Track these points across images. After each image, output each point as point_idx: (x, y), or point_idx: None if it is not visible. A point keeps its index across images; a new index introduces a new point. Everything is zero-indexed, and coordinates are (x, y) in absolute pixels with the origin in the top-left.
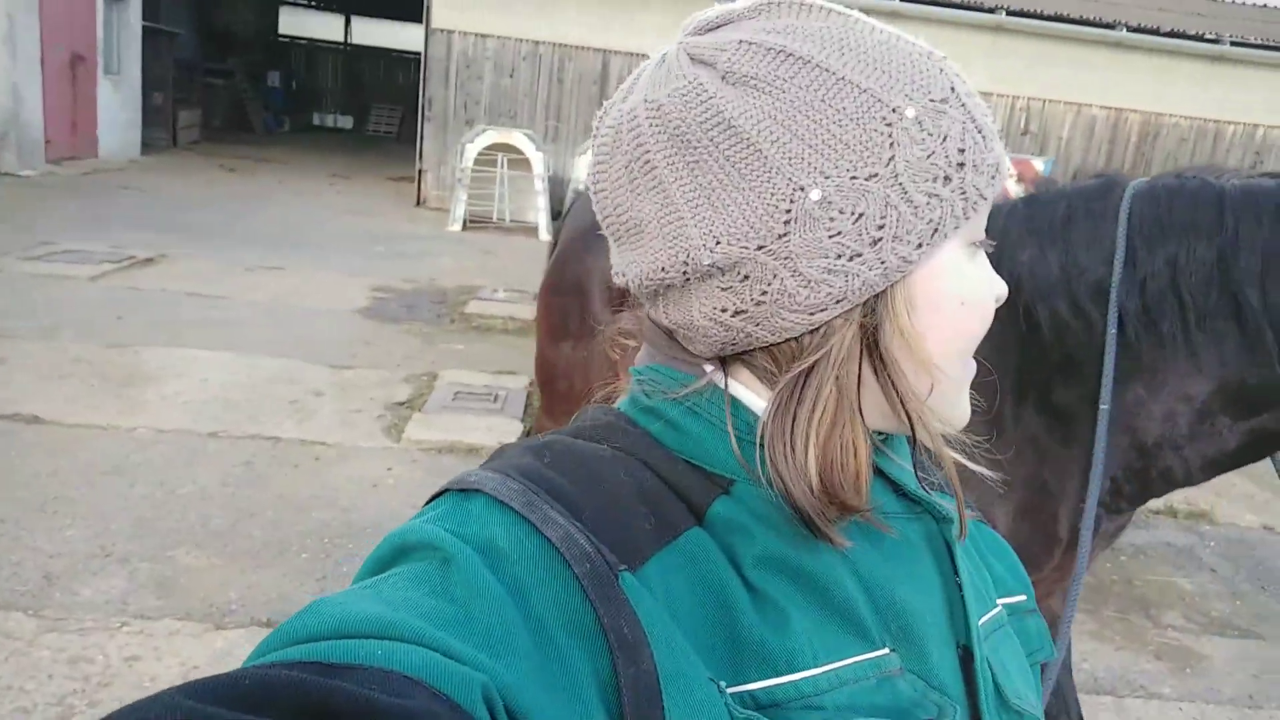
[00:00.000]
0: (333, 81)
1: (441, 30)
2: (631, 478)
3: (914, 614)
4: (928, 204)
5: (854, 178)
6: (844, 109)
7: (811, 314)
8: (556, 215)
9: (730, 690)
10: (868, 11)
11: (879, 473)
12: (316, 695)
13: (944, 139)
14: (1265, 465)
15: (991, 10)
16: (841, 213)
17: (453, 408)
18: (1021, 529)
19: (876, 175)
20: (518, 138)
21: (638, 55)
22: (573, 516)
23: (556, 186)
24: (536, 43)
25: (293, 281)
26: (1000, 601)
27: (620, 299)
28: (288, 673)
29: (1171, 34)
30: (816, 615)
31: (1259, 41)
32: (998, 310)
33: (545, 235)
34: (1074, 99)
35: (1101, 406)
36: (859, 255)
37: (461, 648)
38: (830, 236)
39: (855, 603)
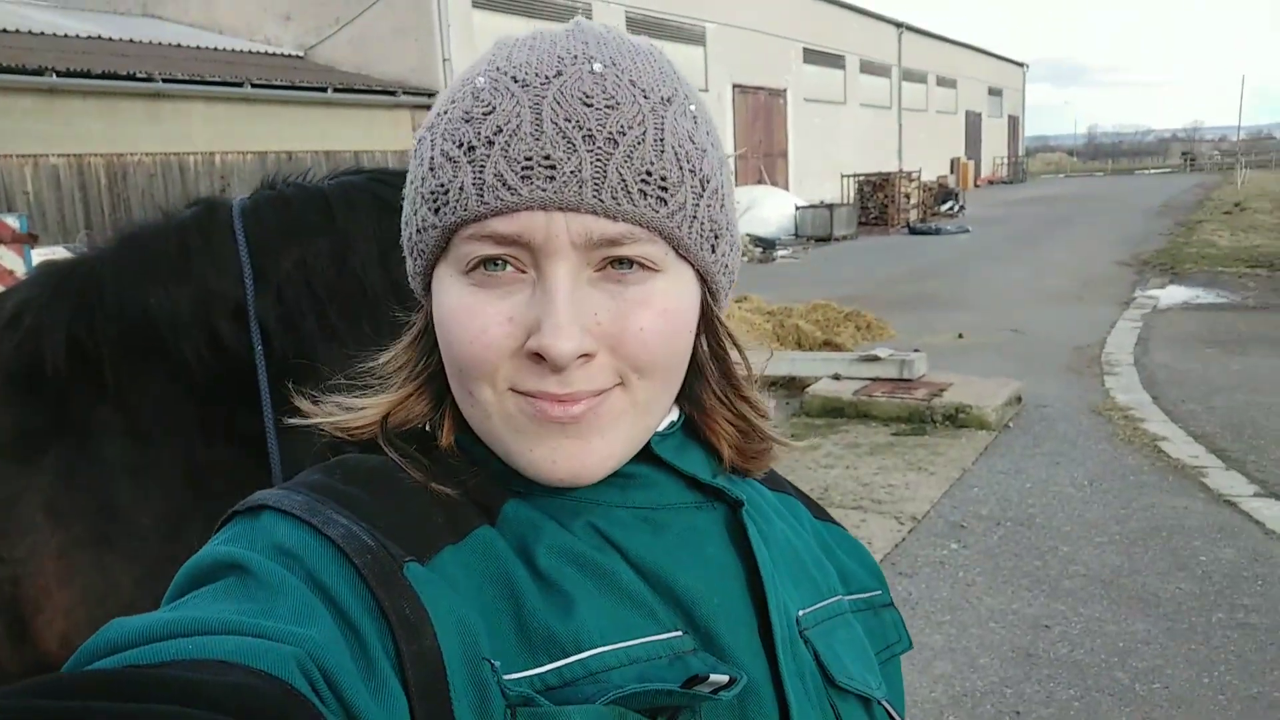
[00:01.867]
0: None
1: None
2: (421, 485)
3: (697, 600)
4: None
5: None
6: None
7: None
8: None
9: (519, 674)
10: None
11: (666, 465)
12: (140, 683)
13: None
14: None
15: None
16: None
17: None
18: None
19: None
20: None
21: None
22: (362, 520)
23: None
24: None
25: None
26: (852, 596)
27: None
28: (109, 674)
29: (105, 75)
30: (607, 601)
31: (185, 78)
32: (157, 365)
33: None
34: (27, 151)
35: (267, 422)
36: None
37: (270, 626)
38: None
39: (640, 590)
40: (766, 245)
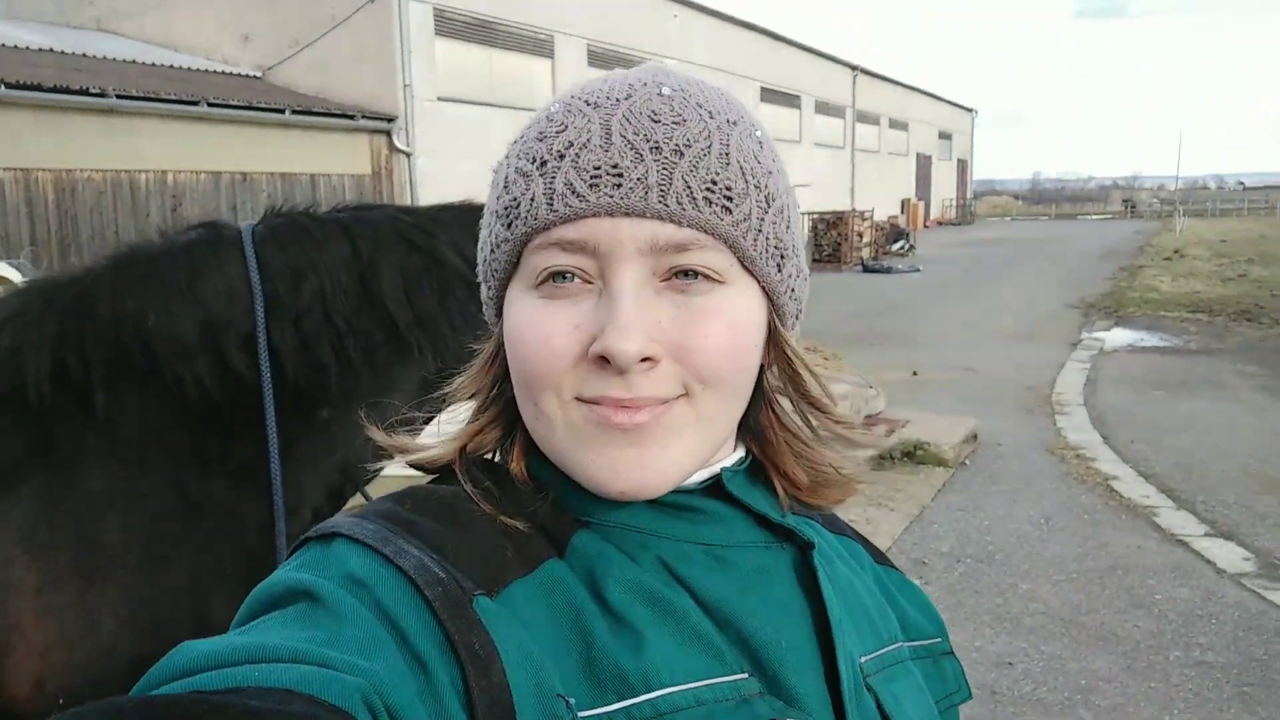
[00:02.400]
0: None
1: None
2: (492, 516)
3: (766, 644)
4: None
5: None
6: None
7: None
8: None
9: (589, 712)
10: None
11: (737, 503)
12: (206, 709)
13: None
14: None
15: None
16: None
17: None
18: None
19: None
20: None
21: None
22: (433, 551)
23: None
24: None
25: None
26: (912, 643)
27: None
28: (170, 700)
29: (55, 89)
30: (675, 639)
31: (140, 94)
32: (150, 390)
33: None
34: None
35: (271, 449)
36: None
37: (337, 657)
38: None
39: (709, 629)
40: None
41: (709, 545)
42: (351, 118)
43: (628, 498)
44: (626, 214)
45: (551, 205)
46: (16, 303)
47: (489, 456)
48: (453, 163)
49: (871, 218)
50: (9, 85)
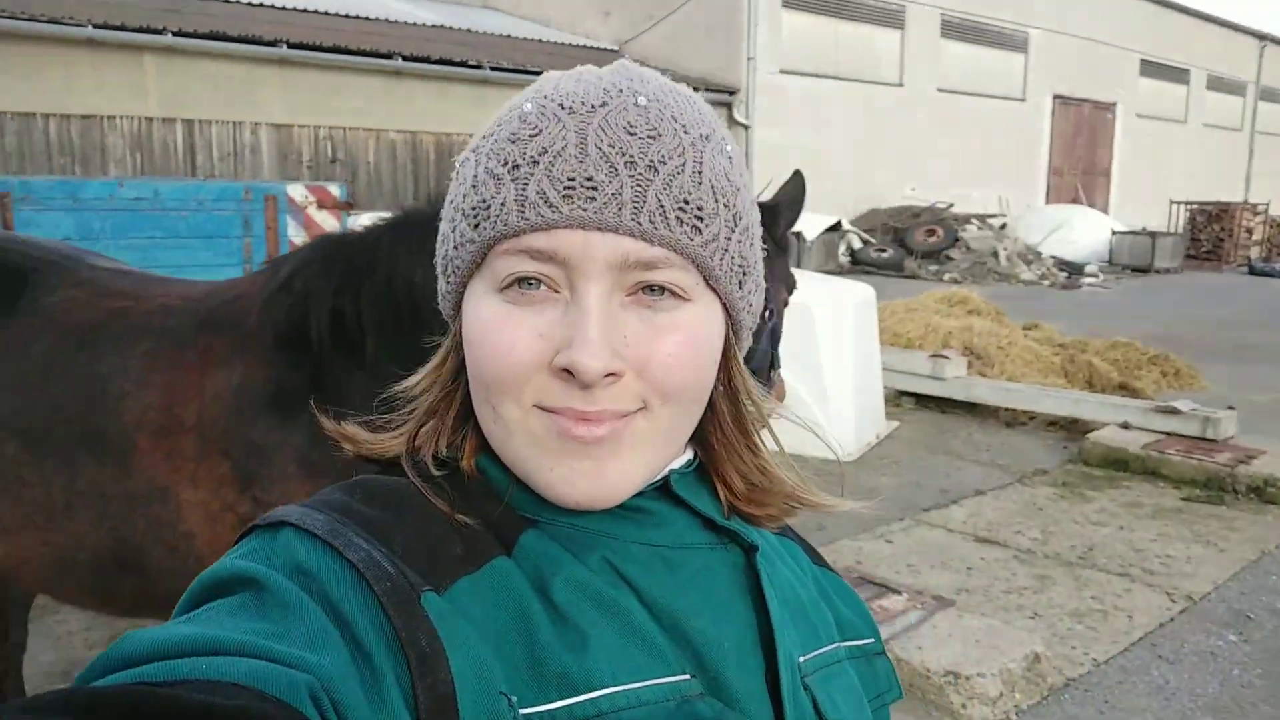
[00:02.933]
0: None
1: None
2: (442, 511)
3: (708, 643)
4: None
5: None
6: None
7: None
8: None
9: (531, 710)
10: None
11: (683, 504)
12: (152, 703)
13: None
14: None
15: (273, 44)
16: None
17: None
18: None
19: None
20: None
21: None
22: (382, 544)
23: None
24: None
25: None
26: (847, 643)
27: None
28: (117, 690)
29: (441, 61)
30: (618, 639)
31: (510, 66)
32: (416, 342)
33: None
34: (372, 125)
35: None
36: None
37: (284, 651)
38: None
39: (652, 630)
40: (1072, 270)
41: (655, 546)
42: (696, 89)
43: (583, 508)
44: (599, 228)
45: (523, 213)
46: (309, 253)
47: (436, 451)
48: (790, 134)
49: (1266, 212)
50: (405, 58)
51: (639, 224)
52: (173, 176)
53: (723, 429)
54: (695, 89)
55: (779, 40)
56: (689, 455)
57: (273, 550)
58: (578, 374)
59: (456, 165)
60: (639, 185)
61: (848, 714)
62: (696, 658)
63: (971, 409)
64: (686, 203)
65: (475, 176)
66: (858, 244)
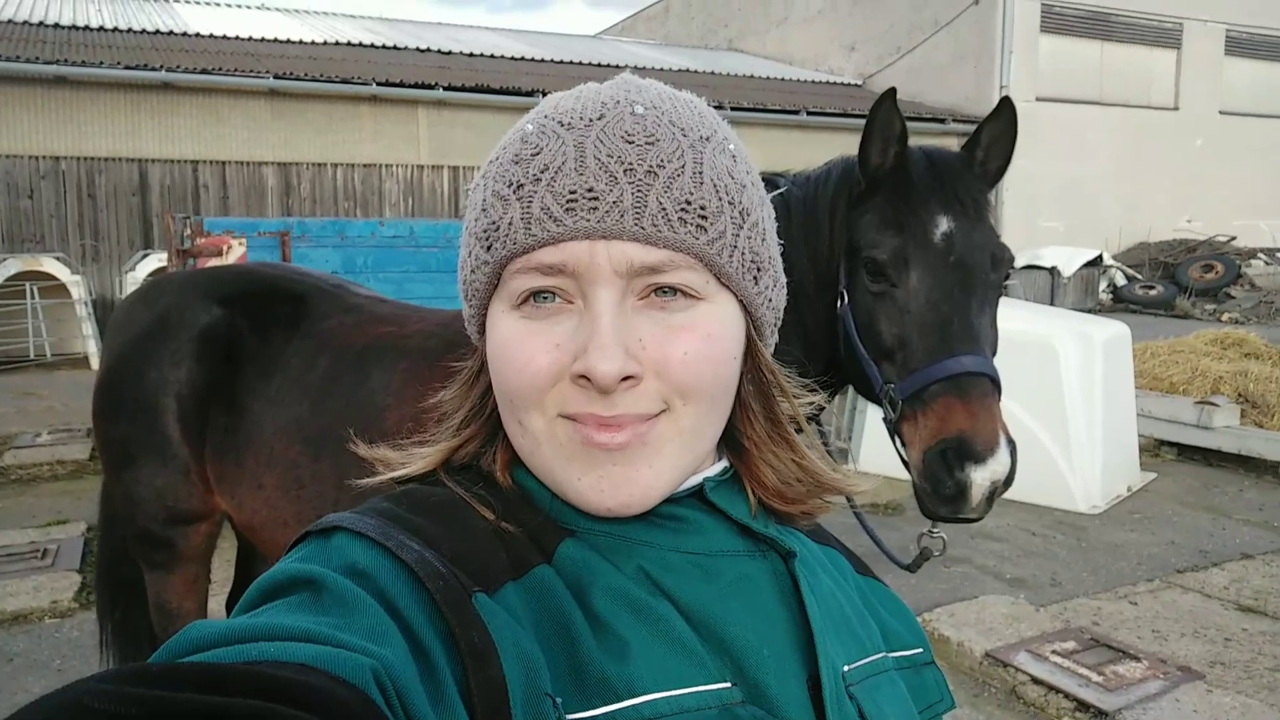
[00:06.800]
0: None
1: None
2: (485, 520)
3: (748, 651)
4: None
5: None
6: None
7: None
8: None
9: (575, 716)
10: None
11: (719, 511)
12: (220, 674)
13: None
14: None
15: (530, 94)
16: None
17: None
18: None
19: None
20: (49, 263)
21: (177, 162)
22: (432, 548)
23: (105, 309)
24: (57, 158)
25: None
26: (894, 654)
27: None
28: (197, 667)
29: None
30: (659, 647)
31: (750, 105)
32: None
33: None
34: None
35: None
36: None
37: (348, 638)
38: None
39: (691, 638)
40: None
41: (692, 554)
42: (941, 121)
43: (615, 514)
44: (603, 237)
45: (529, 230)
46: None
47: (476, 463)
48: (1046, 164)
49: None
50: None
51: (641, 228)
52: (436, 218)
53: (755, 427)
54: (941, 120)
55: (1035, 66)
56: (724, 464)
57: (328, 553)
58: (593, 379)
59: (469, 192)
60: (639, 191)
61: None
62: (736, 665)
63: (1244, 462)
64: (688, 204)
65: (484, 200)
66: (1121, 280)
